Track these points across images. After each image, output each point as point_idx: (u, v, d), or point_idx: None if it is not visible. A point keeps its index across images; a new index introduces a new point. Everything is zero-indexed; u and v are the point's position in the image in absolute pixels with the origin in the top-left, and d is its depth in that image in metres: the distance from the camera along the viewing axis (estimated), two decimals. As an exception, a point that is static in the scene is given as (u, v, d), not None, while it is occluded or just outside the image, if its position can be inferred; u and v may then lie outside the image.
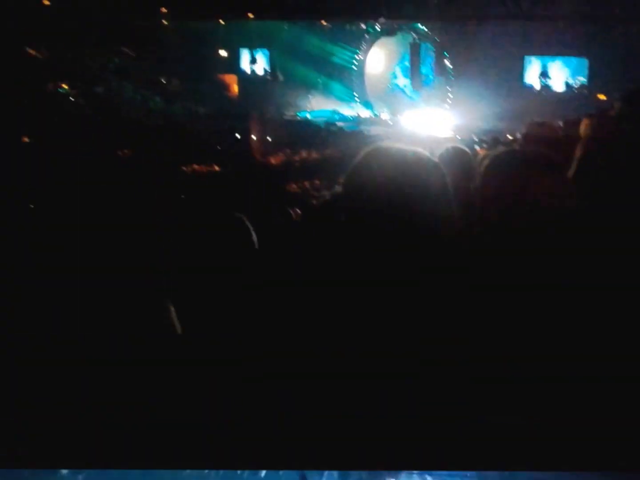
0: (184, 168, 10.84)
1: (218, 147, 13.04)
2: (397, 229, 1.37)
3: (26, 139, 10.71)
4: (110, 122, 13.50)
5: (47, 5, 13.33)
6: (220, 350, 1.65)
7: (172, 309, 1.74)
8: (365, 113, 21.86)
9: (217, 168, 11.16)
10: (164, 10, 14.89)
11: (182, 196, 8.25)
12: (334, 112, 21.93)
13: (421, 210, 1.39)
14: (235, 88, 21.71)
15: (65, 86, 15.94)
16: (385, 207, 1.38)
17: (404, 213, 1.38)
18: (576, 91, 17.69)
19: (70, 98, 15.68)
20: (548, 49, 17.28)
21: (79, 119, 13.56)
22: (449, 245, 1.43)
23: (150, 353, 1.60)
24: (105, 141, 11.68)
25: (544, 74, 18.29)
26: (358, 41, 21.37)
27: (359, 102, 22.14)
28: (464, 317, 1.37)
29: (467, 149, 3.34)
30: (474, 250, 1.59)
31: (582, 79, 17.34)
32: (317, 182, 11.19)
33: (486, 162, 1.93)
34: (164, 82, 18.55)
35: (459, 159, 2.99)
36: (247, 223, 2.21)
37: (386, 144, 1.50)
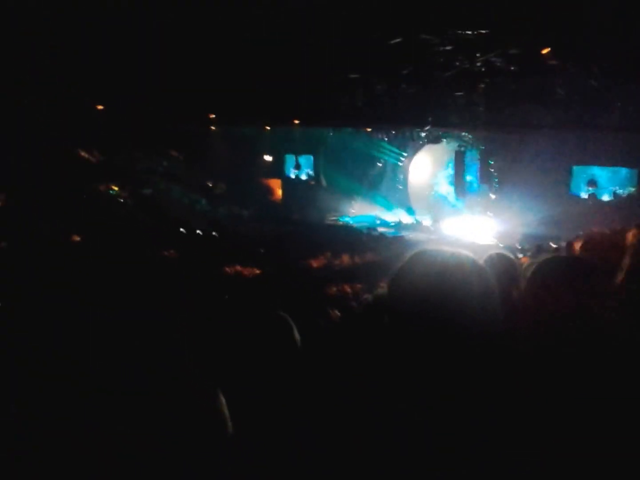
0: (227, 269, 10.75)
1: (261, 249, 12.96)
2: (441, 332, 1.37)
3: (77, 238, 10.81)
4: (157, 223, 13.65)
5: (99, 110, 13.89)
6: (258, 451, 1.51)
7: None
8: (407, 219, 21.83)
9: (258, 271, 10.99)
10: (212, 116, 15.36)
11: (226, 296, 8.01)
12: (376, 217, 21.97)
13: (466, 314, 1.38)
14: (279, 192, 22.07)
15: (115, 188, 16.36)
16: (430, 310, 1.38)
17: (448, 316, 1.37)
18: (625, 201, 17.37)
19: (120, 199, 16.04)
20: (596, 159, 17.13)
21: (127, 220, 13.76)
22: (494, 350, 1.40)
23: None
24: (152, 241, 11.74)
25: (592, 183, 18.08)
26: (403, 148, 21.72)
27: (401, 208, 22.17)
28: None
29: (511, 256, 3.29)
30: (519, 357, 1.55)
31: (632, 189, 17.04)
32: (357, 285, 10.85)
33: (532, 268, 2.01)
34: (210, 185, 18.94)
35: (503, 265, 2.94)
36: (291, 322, 2.20)
37: (431, 247, 1.52)
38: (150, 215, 14.20)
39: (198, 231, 13.37)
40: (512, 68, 12.28)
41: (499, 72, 12.41)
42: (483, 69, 12.57)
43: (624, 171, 17.49)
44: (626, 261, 2.34)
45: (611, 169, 17.83)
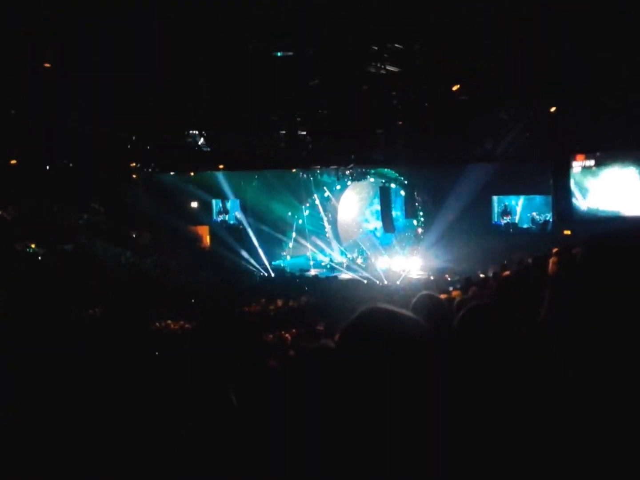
0: (157, 324, 10.42)
1: (192, 300, 12.64)
2: (388, 380, 1.49)
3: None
4: (79, 280, 13.10)
5: (12, 164, 13.29)
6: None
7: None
8: (338, 257, 21.94)
9: (188, 325, 10.66)
10: (133, 164, 15.01)
11: (156, 353, 7.70)
12: (308, 258, 21.96)
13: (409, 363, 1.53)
14: (207, 239, 21.72)
15: (33, 245, 15.64)
16: (377, 365, 1.51)
17: (395, 365, 1.50)
18: (542, 228, 18.13)
19: (39, 257, 15.34)
20: (514, 189, 17.84)
21: (48, 279, 13.14)
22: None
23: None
24: (75, 301, 11.23)
25: (506, 213, 18.84)
26: (329, 186, 21.96)
27: (332, 247, 22.29)
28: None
29: (439, 296, 3.49)
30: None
31: (548, 216, 17.81)
32: (294, 331, 10.77)
33: (460, 314, 2.24)
34: (135, 236, 18.42)
35: (433, 306, 3.20)
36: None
37: (376, 305, 1.65)
38: (72, 272, 13.62)
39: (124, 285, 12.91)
40: (427, 104, 12.67)
41: (415, 108, 12.77)
42: (400, 107, 12.91)
43: (538, 198, 18.29)
44: (546, 296, 2.54)
45: (528, 198, 18.64)
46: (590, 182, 3.47)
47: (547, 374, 1.92)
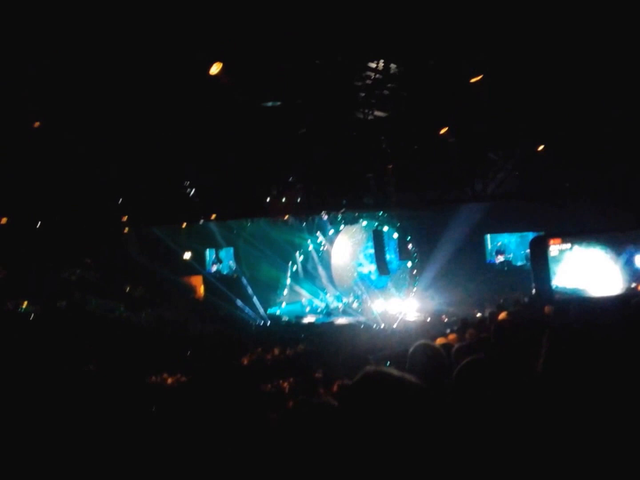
0: (154, 378, 10.24)
1: (188, 352, 12.43)
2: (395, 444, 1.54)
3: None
4: (73, 336, 12.90)
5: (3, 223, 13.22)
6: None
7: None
8: (335, 302, 21.81)
9: (185, 378, 10.44)
10: (124, 218, 14.98)
11: (153, 409, 7.52)
12: (304, 305, 21.82)
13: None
14: (201, 290, 21.56)
15: (25, 304, 15.45)
16: (381, 426, 1.56)
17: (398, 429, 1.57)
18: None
19: (31, 316, 15.12)
20: (506, 227, 17.94)
21: (41, 337, 12.94)
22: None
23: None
24: (70, 358, 11.04)
25: (500, 252, 18.89)
26: (322, 231, 22.00)
27: (328, 292, 22.18)
28: None
29: (435, 345, 3.53)
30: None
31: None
32: (291, 380, 10.54)
33: (457, 369, 2.36)
34: (128, 290, 18.26)
35: (429, 356, 3.29)
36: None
37: (380, 369, 1.72)
38: (66, 329, 13.42)
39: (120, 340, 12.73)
40: (415, 147, 12.80)
41: (404, 152, 12.90)
42: (389, 150, 13.04)
43: (531, 235, 18.39)
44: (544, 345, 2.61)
45: (521, 235, 18.73)
46: (559, 262, 3.58)
47: (544, 430, 1.98)
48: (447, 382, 2.80)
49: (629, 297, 3.58)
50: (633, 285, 3.66)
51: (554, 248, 3.70)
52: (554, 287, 3.56)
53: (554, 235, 3.66)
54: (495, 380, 2.21)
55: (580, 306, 3.46)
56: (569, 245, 3.64)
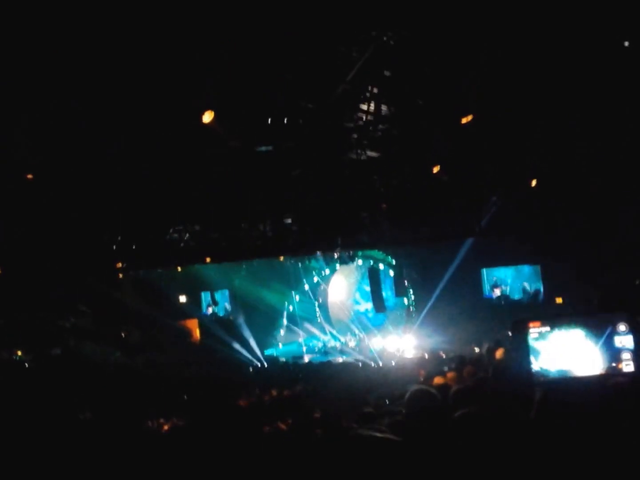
0: (150, 423, 10.10)
1: (185, 396, 12.27)
2: None
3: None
4: (68, 384, 12.72)
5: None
6: None
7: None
8: (332, 342, 21.66)
9: (182, 423, 10.31)
10: (119, 264, 14.94)
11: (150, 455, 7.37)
12: (301, 345, 21.65)
13: None
14: (197, 333, 21.37)
15: (19, 353, 15.28)
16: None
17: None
18: (533, 298, 18.15)
19: (26, 364, 14.95)
20: (502, 261, 17.94)
21: (35, 386, 12.76)
22: None
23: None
24: (65, 406, 10.88)
25: (496, 286, 18.86)
26: (318, 271, 21.95)
27: (325, 331, 22.04)
28: None
29: (431, 391, 3.52)
30: None
31: (538, 285, 17.88)
32: (289, 421, 10.38)
33: (454, 418, 2.52)
34: (124, 335, 18.10)
35: (424, 402, 3.29)
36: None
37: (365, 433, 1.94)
38: (61, 377, 13.24)
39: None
40: (409, 185, 12.89)
41: (398, 190, 12.99)
42: (382, 189, 13.12)
43: (527, 268, 18.39)
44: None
45: (517, 268, 18.72)
46: (540, 344, 3.66)
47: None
48: (444, 430, 2.86)
49: (608, 377, 3.68)
50: (614, 364, 3.72)
51: (534, 331, 3.75)
52: (538, 369, 3.61)
53: (534, 319, 3.76)
54: (489, 435, 2.31)
55: (561, 386, 3.53)
56: (548, 328, 3.71)
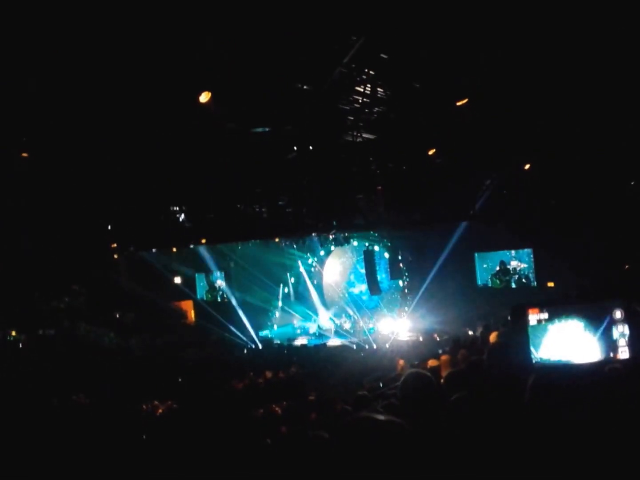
0: (144, 406, 10.14)
1: (179, 379, 12.33)
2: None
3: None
4: (63, 365, 12.76)
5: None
6: None
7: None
8: (326, 323, 21.72)
9: (176, 405, 10.40)
10: (114, 245, 14.88)
11: (144, 436, 7.47)
12: (295, 327, 21.72)
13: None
14: (192, 314, 21.42)
15: (14, 333, 15.28)
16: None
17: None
18: (524, 281, 18.21)
19: (20, 345, 14.97)
20: (495, 245, 17.95)
21: (29, 366, 12.79)
22: None
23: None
24: (58, 387, 10.90)
25: (493, 268, 18.87)
26: (313, 253, 21.95)
27: (319, 314, 22.09)
28: None
29: (426, 375, 3.52)
30: None
31: (525, 265, 17.93)
32: (284, 404, 10.47)
33: (450, 402, 2.68)
34: (118, 316, 18.11)
35: (419, 385, 3.29)
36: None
37: (366, 415, 1.75)
38: (55, 358, 13.28)
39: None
40: (404, 168, 12.87)
41: (393, 173, 12.96)
42: (378, 172, 13.09)
43: (520, 252, 18.42)
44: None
45: (509, 252, 18.74)
46: (541, 334, 3.68)
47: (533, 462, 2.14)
48: (439, 413, 2.90)
49: (603, 364, 3.73)
50: (611, 355, 3.78)
51: (533, 317, 3.77)
52: (538, 359, 3.63)
53: (532, 305, 3.79)
54: (482, 418, 2.35)
55: (557, 372, 3.56)
56: (547, 315, 3.74)
